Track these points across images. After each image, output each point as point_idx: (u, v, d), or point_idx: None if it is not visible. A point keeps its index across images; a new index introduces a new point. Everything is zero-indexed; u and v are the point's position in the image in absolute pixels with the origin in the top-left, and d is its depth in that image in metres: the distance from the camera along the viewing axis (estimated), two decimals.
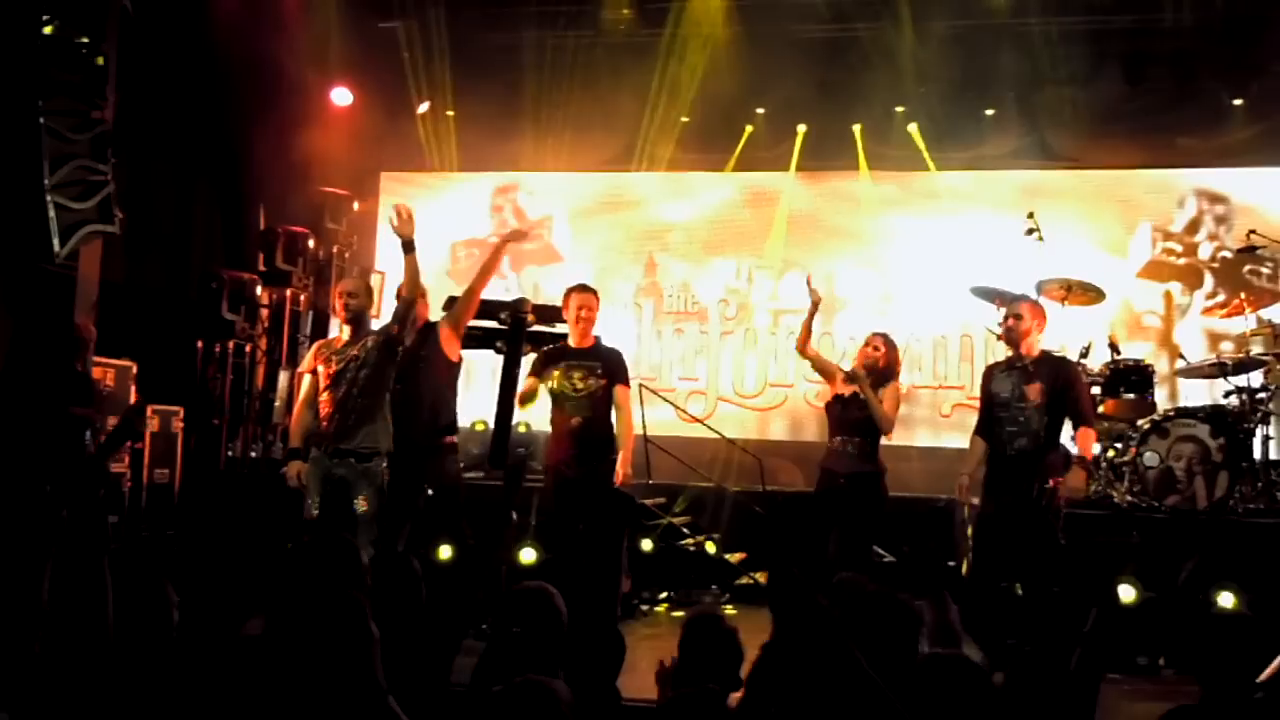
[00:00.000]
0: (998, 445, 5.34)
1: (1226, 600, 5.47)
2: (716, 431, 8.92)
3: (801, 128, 9.87)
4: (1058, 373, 5.37)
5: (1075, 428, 5.42)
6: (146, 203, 7.90)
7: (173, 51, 8.24)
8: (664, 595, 7.30)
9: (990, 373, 5.55)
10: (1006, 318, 5.43)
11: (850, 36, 9.51)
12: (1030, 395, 5.27)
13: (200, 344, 8.28)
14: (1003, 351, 5.77)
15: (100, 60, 5.67)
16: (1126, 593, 5.64)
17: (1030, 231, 7.00)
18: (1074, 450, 5.55)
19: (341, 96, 9.82)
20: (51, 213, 5.37)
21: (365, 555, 3.52)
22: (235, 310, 8.17)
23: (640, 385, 9.18)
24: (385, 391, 5.47)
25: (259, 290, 8.53)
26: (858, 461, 5.75)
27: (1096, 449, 6.81)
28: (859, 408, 5.71)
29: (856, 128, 9.78)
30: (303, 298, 9.28)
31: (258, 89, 8.79)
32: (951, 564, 6.67)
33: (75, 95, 5.60)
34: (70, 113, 5.53)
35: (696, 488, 7.90)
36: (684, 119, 9.82)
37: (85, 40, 5.47)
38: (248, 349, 8.57)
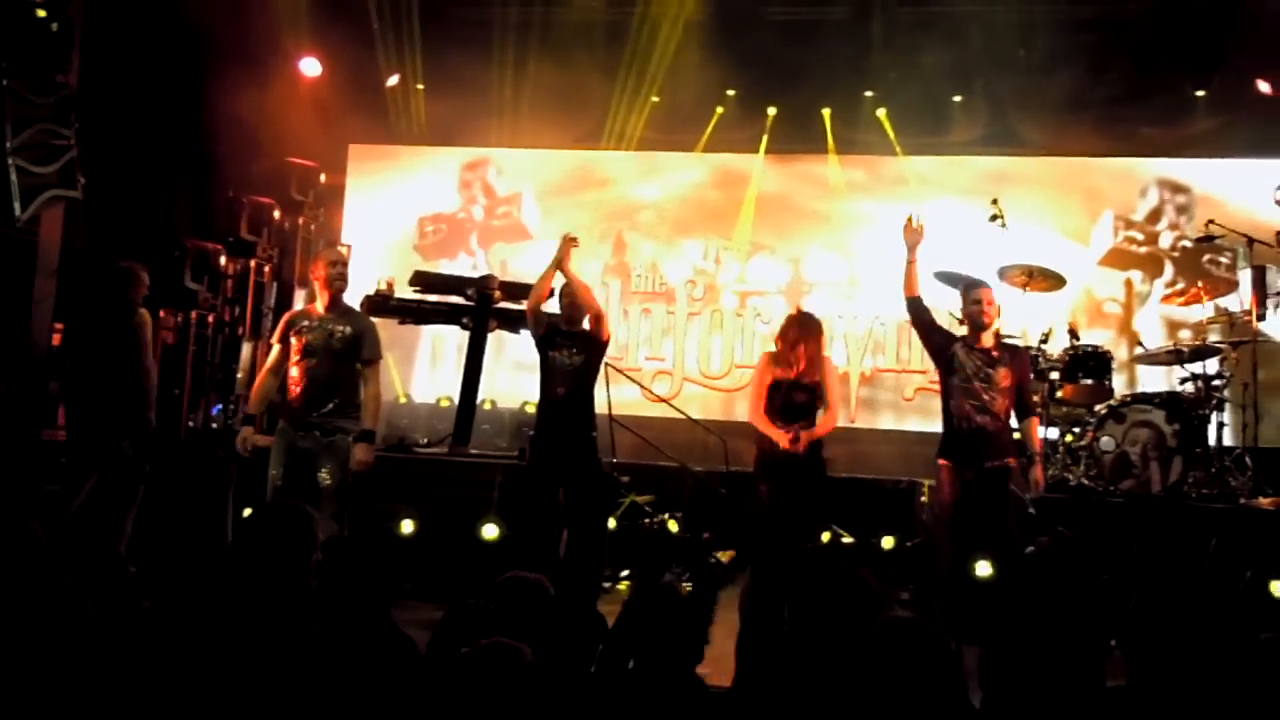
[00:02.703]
0: (956, 417, 5.38)
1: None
2: (681, 411, 8.95)
3: (771, 110, 9.90)
4: (1022, 362, 5.51)
5: (1025, 416, 5.52)
6: (110, 169, 7.78)
7: (140, 17, 8.13)
8: (625, 573, 7.34)
9: (956, 340, 5.53)
10: (980, 301, 5.42)
11: (821, 20, 9.55)
12: (999, 379, 5.36)
13: (163, 313, 8.19)
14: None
15: (63, 23, 5.61)
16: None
17: (994, 218, 7.07)
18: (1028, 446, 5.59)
19: (310, 67, 9.73)
20: (13, 176, 5.33)
21: (325, 529, 3.52)
22: (199, 280, 8.08)
23: (606, 364, 9.21)
24: (354, 367, 5.44)
25: (223, 260, 8.44)
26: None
27: (1053, 434, 6.93)
28: (806, 392, 5.67)
29: (826, 112, 9.83)
30: (267, 268, 9.20)
31: (225, 57, 8.69)
32: (909, 544, 6.76)
33: (39, 58, 5.55)
34: (33, 75, 5.48)
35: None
36: (654, 98, 9.82)
37: (48, 2, 5.41)
38: (210, 319, 8.49)
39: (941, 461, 5.45)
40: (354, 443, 5.29)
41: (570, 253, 5.77)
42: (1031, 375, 5.72)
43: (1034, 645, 2.59)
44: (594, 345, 5.82)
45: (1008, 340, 5.80)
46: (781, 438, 5.63)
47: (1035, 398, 6.16)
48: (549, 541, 5.66)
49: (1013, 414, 5.51)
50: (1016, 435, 5.62)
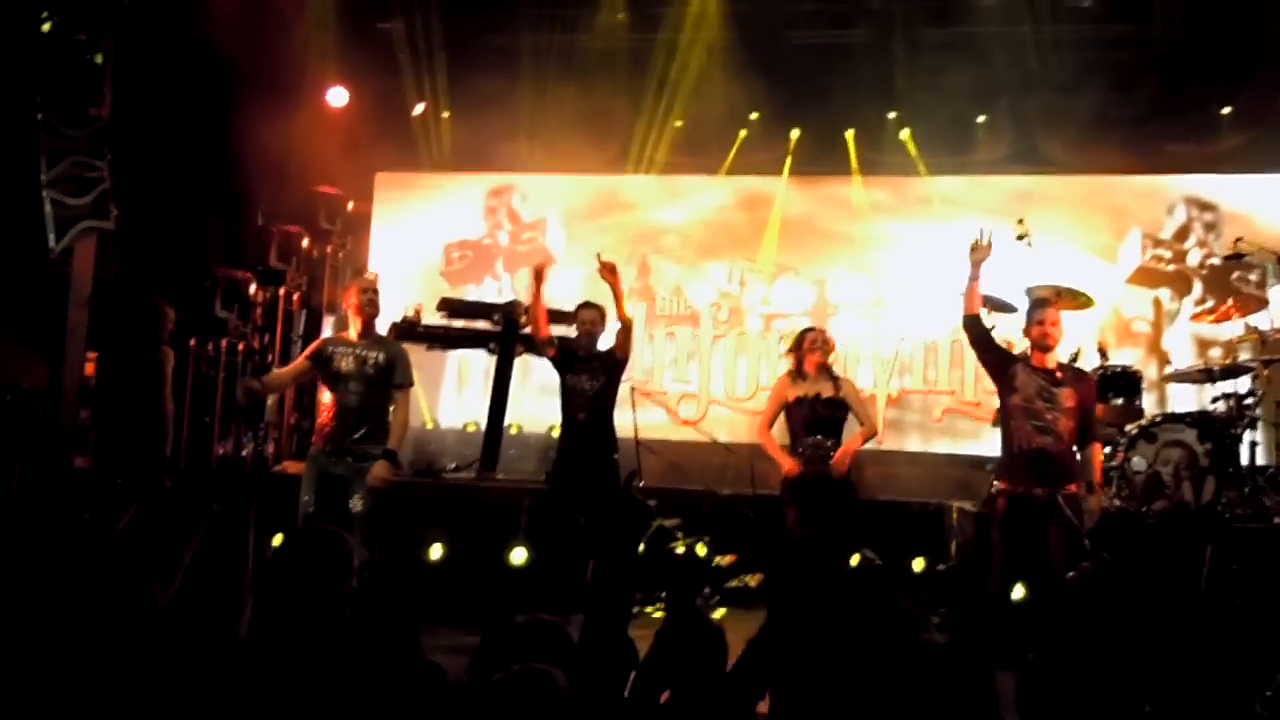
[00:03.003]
0: (1017, 437, 5.18)
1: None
2: (708, 435, 8.94)
3: (795, 132, 9.92)
4: (1088, 386, 5.33)
5: (1088, 443, 5.29)
6: (141, 199, 7.89)
7: (170, 50, 8.25)
8: (656, 597, 7.32)
9: (1017, 360, 5.36)
10: (1044, 322, 5.23)
11: (844, 42, 9.58)
12: (1064, 400, 5.15)
13: (193, 341, 8.28)
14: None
15: (98, 58, 5.71)
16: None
17: (1021, 237, 7.03)
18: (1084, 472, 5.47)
19: (337, 96, 9.85)
20: (47, 208, 5.41)
21: (358, 555, 3.55)
22: (229, 308, 8.17)
23: (632, 388, 9.23)
24: (387, 397, 5.49)
25: (253, 288, 8.53)
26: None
27: None
28: (826, 407, 5.67)
29: (849, 133, 9.84)
30: (296, 296, 9.29)
31: (254, 88, 8.80)
32: (941, 567, 6.71)
33: (73, 92, 5.65)
34: (67, 109, 5.58)
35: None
36: (678, 122, 9.86)
37: (83, 38, 5.51)
38: (240, 347, 8.57)
39: (998, 483, 5.28)
40: (378, 460, 5.33)
41: (544, 274, 5.82)
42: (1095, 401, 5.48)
43: (1072, 670, 2.56)
44: (614, 367, 5.83)
45: (1070, 364, 5.63)
46: (787, 462, 5.64)
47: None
48: (575, 567, 5.66)
49: (1122, 434, 5.37)
50: (1121, 458, 5.49)
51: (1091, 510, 5.30)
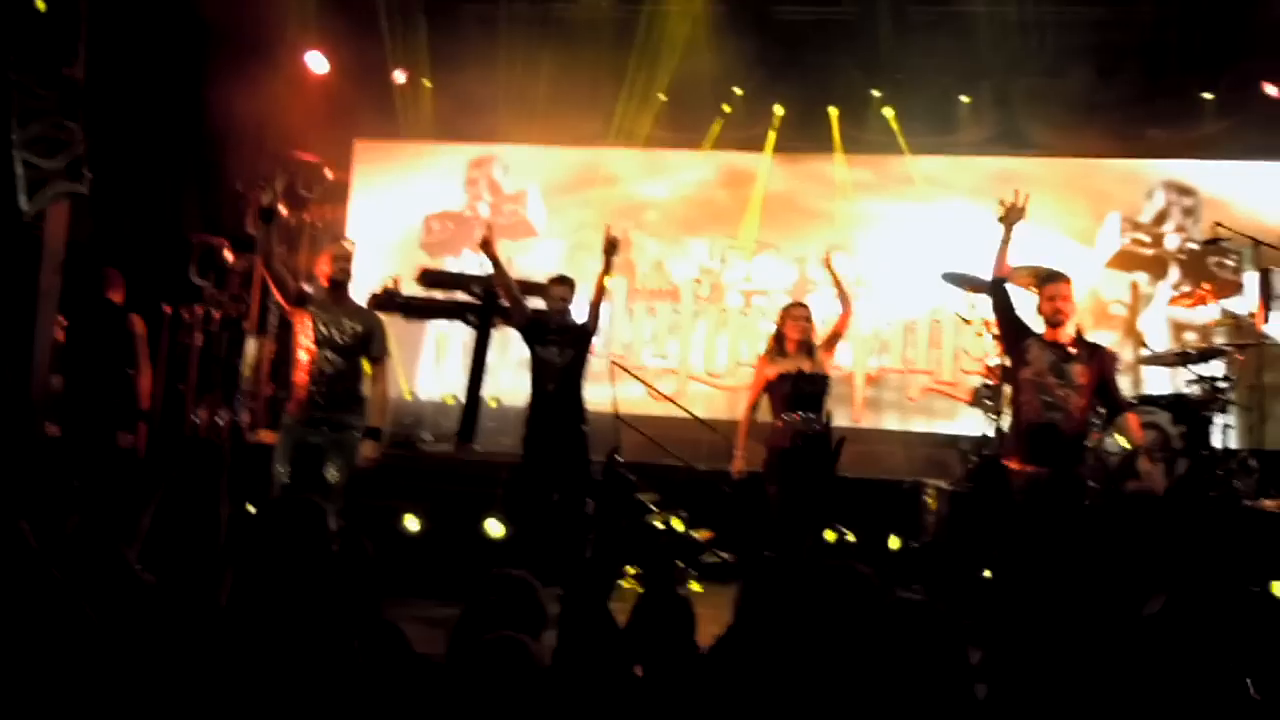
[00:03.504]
0: (1025, 410, 5.09)
1: None
2: (686, 410, 8.94)
3: (779, 109, 9.89)
4: (1103, 360, 5.17)
5: (1119, 412, 5.21)
6: (116, 164, 7.77)
7: (145, 10, 8.11)
8: (631, 571, 7.34)
9: (1032, 334, 5.22)
10: (1055, 297, 5.11)
11: (828, 19, 9.54)
12: (1075, 375, 5.03)
13: (168, 308, 8.19)
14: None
15: (70, 15, 5.59)
16: None
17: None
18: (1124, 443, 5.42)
19: (316, 62, 9.71)
20: (19, 169, 5.30)
21: (333, 523, 3.52)
22: (204, 275, 8.08)
23: (611, 362, 9.21)
24: (363, 366, 5.45)
25: (228, 255, 8.44)
26: (824, 432, 5.69)
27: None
28: (814, 384, 5.66)
29: (833, 111, 9.81)
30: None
31: (232, 52, 8.67)
32: (915, 545, 6.75)
33: (45, 51, 5.53)
34: (40, 68, 5.46)
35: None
36: (662, 96, 9.80)
37: None
38: (216, 314, 8.48)
39: (1008, 463, 5.15)
40: (362, 439, 5.30)
41: (491, 241, 5.78)
42: (1116, 373, 5.33)
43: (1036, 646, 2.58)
44: (584, 339, 5.79)
45: (1085, 338, 5.43)
46: (738, 461, 5.68)
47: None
48: (549, 538, 5.65)
49: (1096, 415, 5.26)
50: (1096, 438, 5.38)
51: (1148, 470, 5.22)
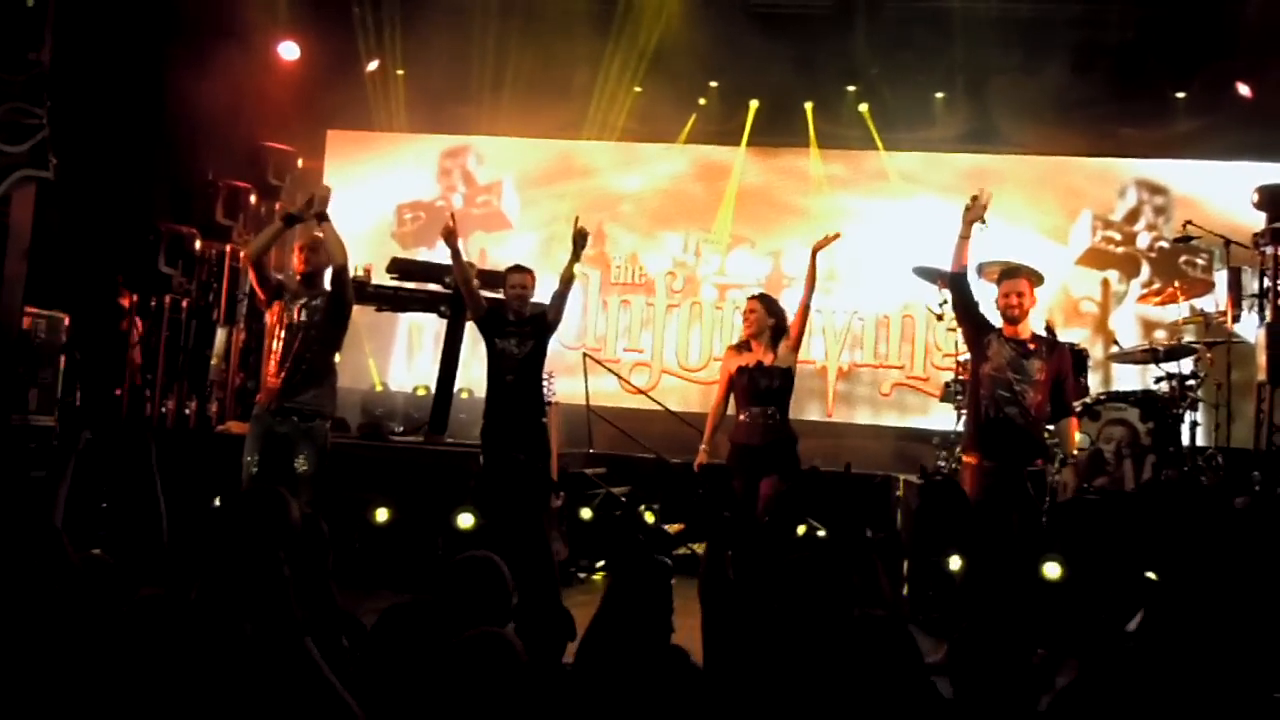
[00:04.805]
0: (984, 405, 5.09)
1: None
2: (659, 403, 8.95)
3: (754, 103, 9.88)
4: (1062, 357, 5.19)
5: (1062, 416, 5.22)
6: (84, 150, 7.67)
7: None
8: (601, 564, 7.34)
9: (993, 330, 5.21)
10: (1009, 294, 5.13)
11: (804, 14, 9.54)
12: (1034, 372, 5.05)
13: (135, 297, 8.10)
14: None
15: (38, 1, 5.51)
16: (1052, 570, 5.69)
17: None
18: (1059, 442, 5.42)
19: (288, 50, 9.61)
20: None
21: (296, 513, 3.48)
22: (173, 264, 7.99)
23: (585, 355, 9.20)
24: (335, 353, 5.40)
25: (198, 244, 8.35)
26: (777, 429, 5.60)
27: None
28: (770, 377, 5.63)
29: (808, 106, 9.82)
30: (243, 253, 9.10)
31: (203, 39, 8.57)
32: (883, 535, 6.77)
33: (11, 35, 5.45)
34: (4, 53, 5.38)
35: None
36: (637, 89, 9.78)
37: None
38: (185, 304, 8.40)
39: (966, 458, 5.18)
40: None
41: (453, 231, 5.67)
42: (1073, 374, 5.34)
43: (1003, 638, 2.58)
44: (543, 330, 5.72)
45: (1044, 334, 5.52)
46: (700, 454, 5.67)
47: None
48: (512, 530, 5.58)
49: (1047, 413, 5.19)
50: (1050, 438, 5.37)
51: (1064, 483, 5.28)
